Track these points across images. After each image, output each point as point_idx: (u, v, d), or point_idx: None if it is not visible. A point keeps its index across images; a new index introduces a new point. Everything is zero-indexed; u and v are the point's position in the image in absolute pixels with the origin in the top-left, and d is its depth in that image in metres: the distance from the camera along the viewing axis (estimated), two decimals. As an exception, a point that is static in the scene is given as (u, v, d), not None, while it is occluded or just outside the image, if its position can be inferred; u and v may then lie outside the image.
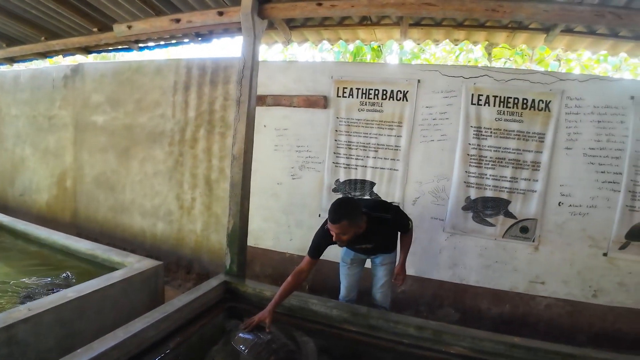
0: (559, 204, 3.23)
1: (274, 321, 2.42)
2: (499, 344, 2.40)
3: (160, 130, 4.35)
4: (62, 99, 5.04)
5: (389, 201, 3.26)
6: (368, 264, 2.94)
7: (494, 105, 3.26)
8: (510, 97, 3.23)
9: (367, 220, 2.38)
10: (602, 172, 3.13)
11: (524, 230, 3.30)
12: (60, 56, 5.35)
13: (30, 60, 5.38)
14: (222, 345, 2.33)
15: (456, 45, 4.05)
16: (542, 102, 3.18)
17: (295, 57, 8.18)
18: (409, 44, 6.72)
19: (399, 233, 2.73)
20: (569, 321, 3.32)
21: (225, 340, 2.36)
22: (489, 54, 5.71)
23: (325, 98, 3.61)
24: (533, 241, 3.29)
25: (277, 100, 3.73)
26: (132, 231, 4.64)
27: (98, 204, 4.86)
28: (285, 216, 3.89)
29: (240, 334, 2.34)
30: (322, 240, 2.48)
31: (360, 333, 2.62)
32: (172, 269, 4.32)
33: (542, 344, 2.41)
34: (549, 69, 6.18)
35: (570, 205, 3.21)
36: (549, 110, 3.17)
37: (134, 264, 3.11)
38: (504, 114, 3.25)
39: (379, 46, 6.77)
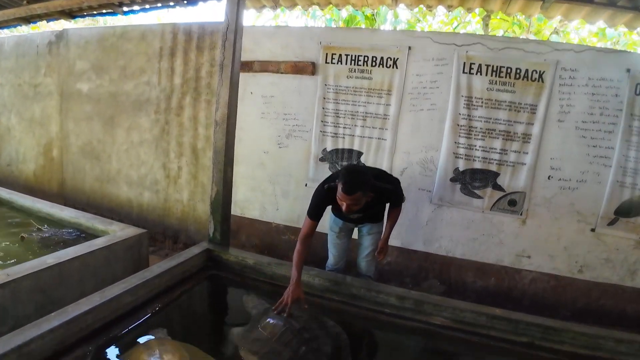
0: (549, 178, 3.18)
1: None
2: (480, 315, 2.39)
3: (145, 98, 4.25)
4: (46, 66, 4.90)
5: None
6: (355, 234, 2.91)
7: (486, 75, 3.18)
8: (503, 67, 3.14)
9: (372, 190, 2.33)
10: (593, 146, 3.07)
11: (512, 203, 3.26)
12: (45, 22, 5.18)
13: (14, 26, 5.23)
14: (248, 330, 2.16)
15: (450, 11, 3.92)
16: (536, 73, 3.10)
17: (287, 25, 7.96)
18: (404, 14, 6.56)
19: (387, 204, 2.70)
20: (553, 296, 3.32)
21: (251, 325, 2.18)
22: (486, 25, 5.57)
23: (314, 64, 3.51)
24: (521, 215, 3.26)
25: (264, 67, 3.62)
26: (119, 201, 4.60)
27: (84, 174, 4.79)
28: (272, 186, 3.84)
29: (270, 319, 2.17)
30: (321, 201, 2.45)
31: (342, 302, 2.60)
32: (159, 239, 4.29)
33: (524, 316, 2.40)
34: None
35: (560, 179, 3.16)
36: (543, 81, 3.09)
37: (117, 232, 3.07)
38: (495, 83, 3.17)
39: (373, 15, 6.59)
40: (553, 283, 3.30)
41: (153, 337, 1.96)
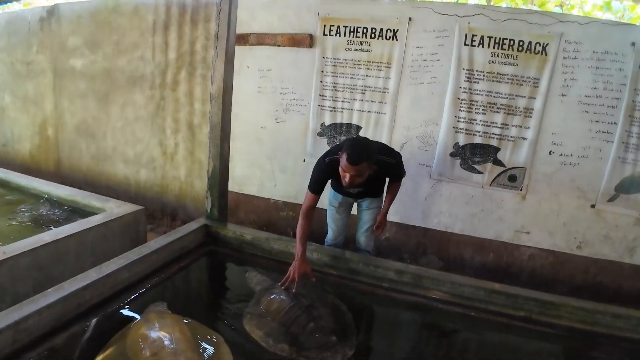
0: (550, 153, 3.13)
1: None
2: (478, 290, 2.40)
3: (140, 74, 4.17)
4: (39, 43, 4.79)
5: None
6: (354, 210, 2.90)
7: (488, 47, 3.09)
8: (506, 39, 3.05)
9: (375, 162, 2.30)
10: (596, 121, 3.01)
11: (512, 178, 3.23)
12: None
13: (4, 3, 5.14)
14: (253, 306, 2.13)
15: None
16: (539, 45, 3.01)
17: None
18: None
19: (387, 179, 2.68)
20: (551, 272, 3.32)
21: (256, 301, 2.16)
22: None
23: (311, 37, 3.41)
24: (521, 190, 3.23)
25: (261, 39, 3.53)
26: (116, 179, 4.58)
27: (81, 152, 4.75)
28: (270, 162, 3.79)
29: (275, 296, 2.15)
30: (322, 174, 2.43)
31: (340, 276, 2.62)
32: (157, 216, 4.29)
33: (522, 291, 2.41)
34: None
35: (561, 155, 3.11)
36: (546, 54, 3.00)
37: (113, 209, 3.06)
38: (498, 56, 3.08)
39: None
40: (551, 259, 3.30)
41: (153, 311, 1.95)
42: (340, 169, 2.21)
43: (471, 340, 2.30)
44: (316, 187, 2.43)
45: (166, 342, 1.61)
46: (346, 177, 2.17)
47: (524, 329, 2.27)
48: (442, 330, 2.34)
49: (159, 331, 1.68)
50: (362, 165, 2.12)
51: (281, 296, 2.13)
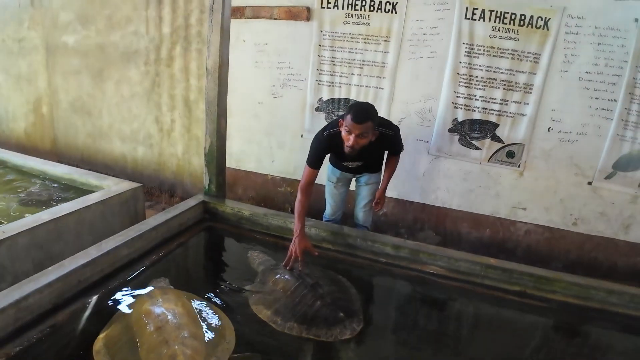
0: (549, 130, 3.11)
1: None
2: (475, 265, 2.42)
3: (134, 49, 4.08)
4: (30, 19, 4.66)
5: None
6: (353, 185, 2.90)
7: (489, 21, 3.02)
8: (507, 13, 2.97)
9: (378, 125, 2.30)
10: (596, 98, 2.97)
11: (510, 155, 3.22)
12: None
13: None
14: (259, 285, 2.12)
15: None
16: (541, 20, 2.94)
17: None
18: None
19: (385, 154, 2.67)
20: (546, 247, 3.36)
21: (260, 281, 2.15)
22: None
23: (308, 9, 3.32)
24: (518, 167, 3.23)
25: (257, 12, 3.44)
26: (113, 156, 4.56)
27: (76, 130, 4.71)
28: (267, 137, 3.77)
29: (279, 275, 2.15)
30: (321, 148, 2.42)
31: (338, 251, 2.63)
32: (155, 194, 4.30)
33: (517, 266, 2.43)
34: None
35: (560, 132, 3.09)
36: (548, 29, 2.94)
37: (111, 187, 3.06)
38: (499, 30, 3.02)
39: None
40: (547, 235, 3.33)
41: (156, 287, 1.98)
42: (343, 132, 2.20)
43: (467, 313, 2.34)
44: (315, 162, 2.41)
45: (169, 317, 1.62)
46: (350, 140, 2.15)
47: (519, 303, 2.31)
48: (438, 304, 2.38)
49: (163, 306, 1.70)
50: (367, 124, 2.12)
51: (285, 276, 2.13)
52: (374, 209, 2.80)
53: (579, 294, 2.30)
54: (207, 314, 1.81)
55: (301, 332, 1.79)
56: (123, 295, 1.96)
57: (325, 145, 2.39)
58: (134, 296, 1.92)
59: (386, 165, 2.71)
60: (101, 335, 1.61)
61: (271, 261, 2.37)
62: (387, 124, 2.48)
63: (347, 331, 1.82)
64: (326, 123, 2.88)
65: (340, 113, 3.43)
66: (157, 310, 1.68)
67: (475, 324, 2.26)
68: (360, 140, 2.16)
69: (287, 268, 2.22)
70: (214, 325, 1.73)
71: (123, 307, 1.81)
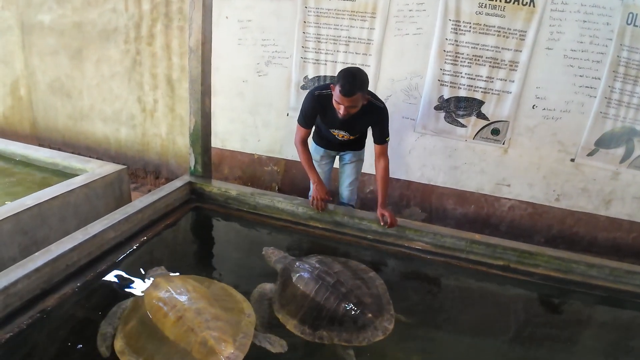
0: (533, 107, 3.14)
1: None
2: (460, 240, 2.48)
3: (113, 27, 3.94)
4: (3, -2, 4.46)
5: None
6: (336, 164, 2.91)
7: (476, -3, 3.00)
8: (494, -12, 2.96)
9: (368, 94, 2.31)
10: (580, 75, 3.00)
11: (495, 132, 3.25)
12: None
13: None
14: (280, 288, 1.98)
15: None
16: (528, -4, 2.93)
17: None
18: None
19: (369, 129, 2.61)
20: (529, 222, 3.45)
21: (281, 284, 2.01)
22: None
23: (293, -16, 3.25)
24: (503, 144, 3.27)
25: (239, -13, 3.35)
26: (95, 138, 4.46)
27: (56, 112, 4.57)
28: (252, 117, 3.72)
29: (299, 274, 1.98)
30: (312, 108, 2.44)
31: (325, 229, 2.66)
32: (140, 175, 4.24)
33: (501, 241, 2.50)
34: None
35: (544, 109, 3.13)
36: (534, 6, 2.93)
37: (95, 170, 3.00)
38: (485, 7, 2.99)
39: None
40: (530, 210, 3.41)
41: (157, 276, 1.92)
42: (334, 101, 2.22)
43: (452, 287, 2.42)
44: (306, 122, 2.48)
45: (187, 304, 1.59)
46: (341, 109, 2.20)
47: (503, 277, 2.39)
48: (424, 279, 2.43)
49: (175, 294, 1.66)
50: (356, 96, 2.14)
51: (306, 275, 1.96)
52: (386, 227, 2.55)
53: (561, 268, 2.40)
54: (218, 292, 1.79)
55: (332, 340, 1.69)
56: (112, 278, 1.97)
57: (315, 104, 2.40)
58: (124, 279, 1.93)
59: (377, 171, 2.56)
60: (119, 335, 1.56)
61: (288, 257, 2.21)
62: (377, 97, 2.49)
63: (378, 333, 1.72)
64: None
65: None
66: (171, 299, 1.63)
67: (460, 298, 2.32)
68: (352, 109, 2.20)
69: (317, 209, 2.54)
70: (230, 302, 1.73)
71: (128, 305, 1.74)
